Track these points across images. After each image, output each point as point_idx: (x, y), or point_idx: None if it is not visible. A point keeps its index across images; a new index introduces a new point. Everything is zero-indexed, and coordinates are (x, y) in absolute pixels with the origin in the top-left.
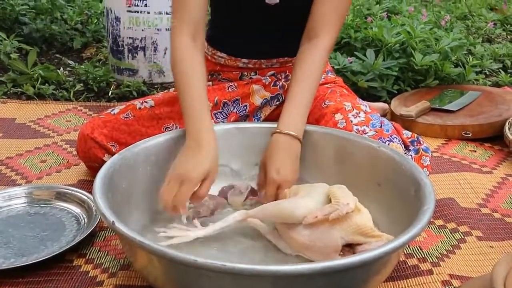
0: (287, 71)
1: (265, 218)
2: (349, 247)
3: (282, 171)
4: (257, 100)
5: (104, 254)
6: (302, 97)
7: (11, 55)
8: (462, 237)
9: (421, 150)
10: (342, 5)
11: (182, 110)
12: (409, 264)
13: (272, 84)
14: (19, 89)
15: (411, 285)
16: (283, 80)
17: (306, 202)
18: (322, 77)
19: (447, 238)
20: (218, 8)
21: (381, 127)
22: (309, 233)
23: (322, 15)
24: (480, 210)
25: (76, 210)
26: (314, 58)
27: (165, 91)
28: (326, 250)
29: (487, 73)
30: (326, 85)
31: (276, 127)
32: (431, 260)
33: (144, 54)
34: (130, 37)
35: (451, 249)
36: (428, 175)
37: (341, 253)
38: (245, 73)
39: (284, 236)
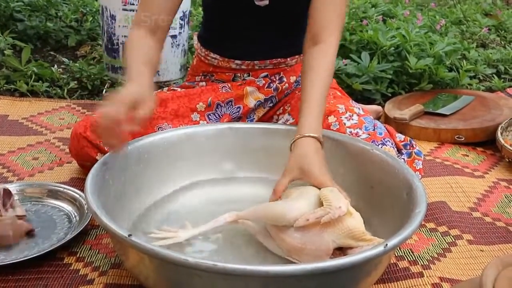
0: (281, 73)
1: (256, 220)
2: (340, 251)
3: (326, 173)
4: (251, 102)
5: (95, 253)
6: (317, 103)
7: (5, 52)
8: (453, 240)
9: (414, 154)
10: (341, 7)
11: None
12: (400, 267)
13: (266, 86)
14: (13, 86)
15: None
16: (277, 82)
17: (298, 205)
18: None
19: (438, 241)
20: (210, 9)
21: (374, 130)
22: (300, 236)
23: (325, 19)
24: (471, 214)
25: (68, 208)
26: (324, 63)
27: (159, 90)
28: (317, 253)
29: (481, 78)
30: None
31: (300, 132)
32: (422, 263)
33: None
34: (125, 36)
35: (442, 252)
36: (420, 179)
37: (332, 256)
38: (238, 75)
39: (275, 238)
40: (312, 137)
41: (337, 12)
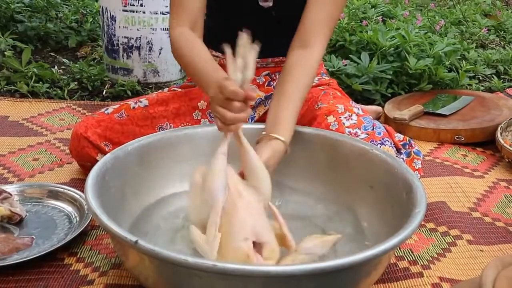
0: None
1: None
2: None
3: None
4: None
5: (95, 253)
6: (294, 106)
7: (6, 53)
8: (453, 240)
9: (413, 153)
10: (334, 14)
11: (195, 80)
12: (400, 267)
13: (266, 84)
14: (13, 87)
15: None
16: (277, 80)
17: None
18: (316, 79)
19: (438, 241)
20: (213, 8)
21: (373, 129)
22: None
23: (315, 24)
24: (471, 214)
25: (68, 208)
26: (308, 69)
27: (159, 90)
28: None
29: (480, 78)
30: (320, 87)
31: (267, 131)
32: (422, 263)
33: (139, 54)
34: (125, 37)
35: (442, 252)
36: (419, 178)
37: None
38: None
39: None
40: (285, 143)
41: (327, 18)
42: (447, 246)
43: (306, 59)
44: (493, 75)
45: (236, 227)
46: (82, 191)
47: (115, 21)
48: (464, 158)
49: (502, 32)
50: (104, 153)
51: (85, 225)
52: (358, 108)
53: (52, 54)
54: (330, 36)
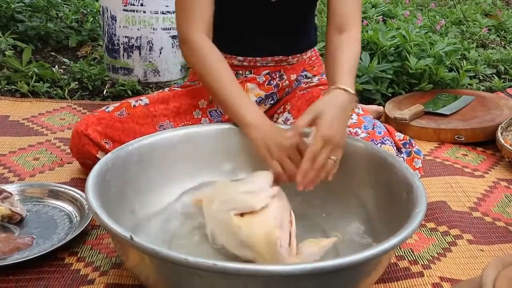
0: (282, 70)
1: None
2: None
3: (335, 127)
4: (252, 99)
5: (96, 253)
6: (350, 70)
7: (6, 53)
8: (453, 240)
9: (413, 153)
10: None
11: (223, 103)
12: (400, 267)
13: (266, 82)
14: (14, 87)
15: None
16: (277, 79)
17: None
18: (317, 79)
19: (438, 241)
20: (215, 10)
21: (373, 129)
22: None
23: (349, 11)
24: (471, 213)
25: (69, 208)
26: (353, 44)
27: (160, 90)
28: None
29: (481, 78)
30: (320, 87)
31: (335, 84)
32: (422, 263)
33: (140, 53)
34: (125, 36)
35: (442, 252)
36: (420, 178)
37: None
38: (240, 72)
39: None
40: (343, 89)
41: (358, 4)
42: (448, 246)
43: (348, 38)
44: (493, 75)
45: (270, 216)
46: (83, 191)
47: (115, 20)
48: (465, 158)
49: (503, 31)
50: (104, 150)
51: (86, 225)
52: (359, 108)
53: (52, 53)
54: (361, 18)
